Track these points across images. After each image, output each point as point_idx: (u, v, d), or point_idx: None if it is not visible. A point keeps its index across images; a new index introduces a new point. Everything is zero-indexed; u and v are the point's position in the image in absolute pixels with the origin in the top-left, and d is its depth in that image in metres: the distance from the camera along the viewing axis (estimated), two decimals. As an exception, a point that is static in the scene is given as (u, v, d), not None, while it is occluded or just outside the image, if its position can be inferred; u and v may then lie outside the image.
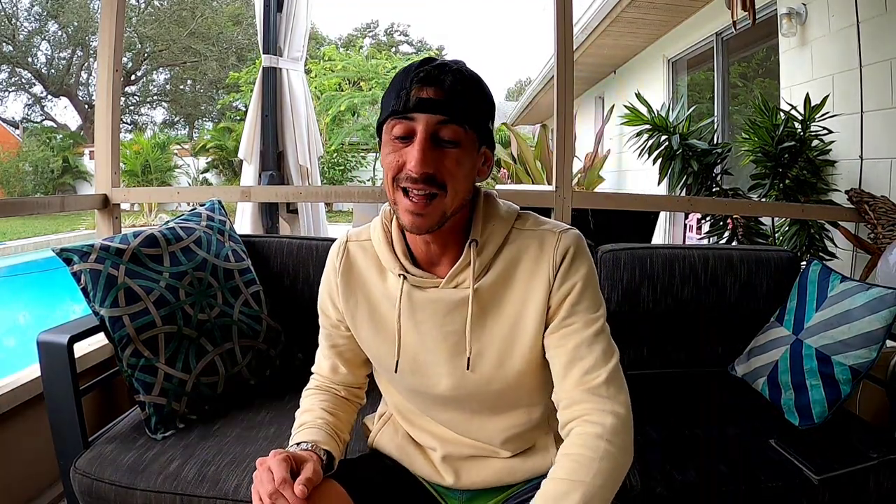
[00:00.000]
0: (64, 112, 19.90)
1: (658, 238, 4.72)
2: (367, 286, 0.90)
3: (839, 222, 2.46)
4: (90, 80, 18.84)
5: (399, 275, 0.85)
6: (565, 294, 0.82)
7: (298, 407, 0.96)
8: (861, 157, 2.72)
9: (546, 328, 0.83)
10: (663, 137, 3.08)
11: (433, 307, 0.84)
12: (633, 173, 6.06)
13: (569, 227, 0.86)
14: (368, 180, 14.25)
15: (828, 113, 2.63)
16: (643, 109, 3.11)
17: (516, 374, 0.85)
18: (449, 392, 0.87)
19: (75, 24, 17.49)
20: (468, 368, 0.84)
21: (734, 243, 2.84)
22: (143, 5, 18.32)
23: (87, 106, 18.63)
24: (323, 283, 0.94)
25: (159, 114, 21.17)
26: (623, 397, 0.79)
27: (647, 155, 3.19)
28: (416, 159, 0.73)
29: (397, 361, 0.87)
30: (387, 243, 0.87)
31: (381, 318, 0.89)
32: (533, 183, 6.87)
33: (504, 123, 10.40)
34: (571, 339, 0.81)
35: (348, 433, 0.94)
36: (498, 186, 5.85)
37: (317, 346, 1.01)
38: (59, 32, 17.85)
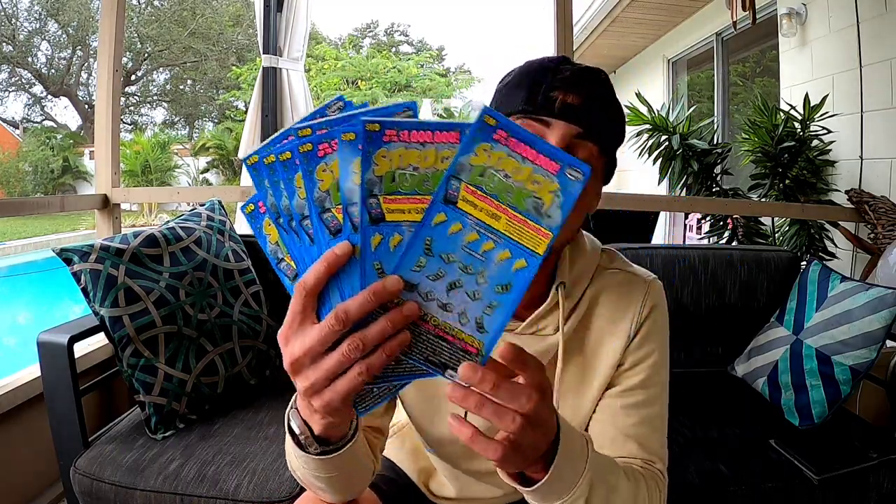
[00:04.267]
0: (64, 112, 19.92)
1: (658, 238, 4.72)
2: None
3: (839, 222, 2.46)
4: (90, 80, 18.86)
5: None
6: (643, 357, 0.73)
7: None
8: (861, 157, 2.73)
9: (609, 384, 0.73)
10: (663, 137, 3.09)
11: None
12: (633, 173, 6.07)
13: (654, 275, 0.77)
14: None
15: (828, 113, 2.63)
16: (643, 109, 3.11)
17: (578, 427, 0.75)
18: None
19: (75, 24, 17.49)
20: None
21: (734, 243, 2.84)
22: (143, 5, 18.34)
23: (87, 106, 18.64)
24: None
25: (159, 114, 21.19)
26: (666, 482, 0.71)
27: (647, 155, 3.19)
28: None
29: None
30: None
31: None
32: (533, 183, 6.86)
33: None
34: (636, 412, 0.71)
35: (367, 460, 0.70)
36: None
37: None
38: (59, 32, 17.86)
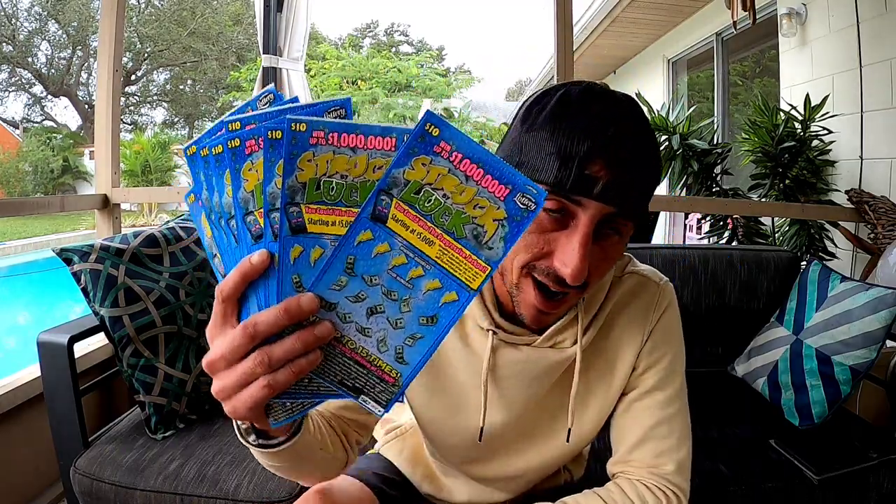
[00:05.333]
0: (64, 112, 19.96)
1: (658, 238, 4.72)
2: None
3: (839, 222, 2.46)
4: (90, 80, 18.87)
5: (488, 330, 0.69)
6: (656, 360, 0.72)
7: None
8: (861, 157, 2.73)
9: (624, 391, 0.73)
10: (663, 137, 3.08)
11: (523, 369, 0.71)
12: (633, 173, 6.05)
13: (665, 277, 0.76)
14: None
15: (828, 113, 2.63)
16: (643, 109, 3.11)
17: (588, 438, 0.75)
18: (520, 468, 0.77)
19: (75, 24, 17.50)
20: (567, 440, 0.73)
21: (734, 243, 2.83)
22: (143, 5, 18.33)
23: (87, 106, 18.65)
24: None
25: (159, 114, 21.21)
26: (687, 488, 0.71)
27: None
28: (576, 264, 0.54)
29: (481, 430, 0.72)
30: None
31: (445, 377, 0.73)
32: (533, 183, 6.87)
33: (504, 123, 10.40)
34: (652, 414, 0.71)
35: (326, 450, 0.65)
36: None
37: None
38: (59, 32, 17.87)
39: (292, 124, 0.36)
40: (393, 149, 0.37)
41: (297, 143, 0.36)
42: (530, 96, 0.61)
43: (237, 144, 0.38)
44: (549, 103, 0.57)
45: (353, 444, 0.71)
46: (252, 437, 0.52)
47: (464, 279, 0.40)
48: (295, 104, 0.39)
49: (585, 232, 0.55)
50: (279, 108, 0.39)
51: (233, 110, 0.40)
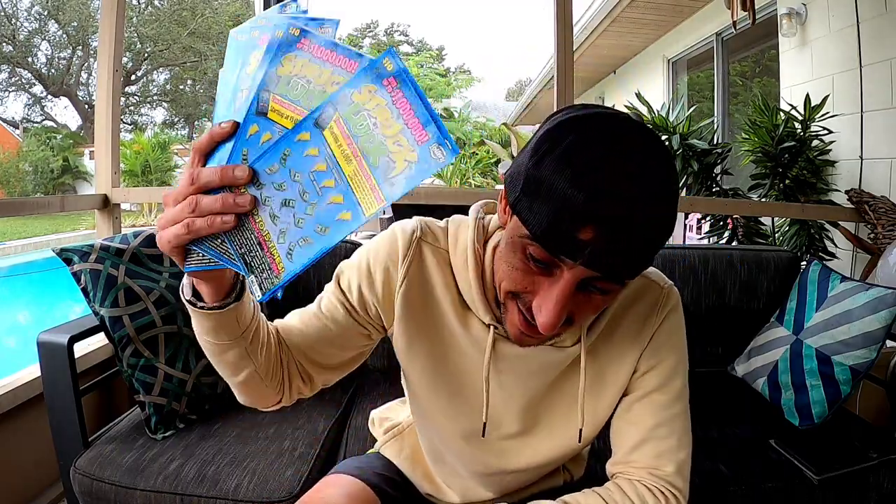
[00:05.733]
0: (64, 112, 19.95)
1: (658, 238, 4.71)
2: (437, 313, 0.72)
3: (839, 222, 2.46)
4: (90, 80, 18.86)
5: (488, 324, 0.69)
6: (658, 362, 0.72)
7: (298, 408, 0.92)
8: (861, 157, 2.73)
9: (625, 392, 0.74)
10: (663, 137, 3.08)
11: (521, 364, 0.71)
12: (633, 173, 6.05)
13: (670, 281, 0.76)
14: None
15: (828, 113, 2.63)
16: (643, 109, 3.11)
17: (589, 438, 0.75)
18: (520, 465, 0.77)
19: (75, 24, 17.49)
20: (579, 441, 0.74)
21: (734, 243, 2.84)
22: (143, 5, 18.33)
23: (87, 106, 18.64)
24: (364, 255, 0.72)
25: (159, 114, 21.20)
26: (686, 489, 0.71)
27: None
28: (549, 316, 0.55)
29: (484, 424, 0.73)
30: (478, 280, 0.69)
31: (448, 363, 0.73)
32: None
33: (504, 123, 10.41)
34: (653, 415, 0.71)
35: (263, 342, 0.65)
36: (498, 186, 5.85)
37: None
38: (59, 32, 17.86)
39: (290, 28, 0.44)
40: (353, 71, 0.43)
41: (287, 42, 0.44)
42: (548, 121, 0.57)
43: (255, 35, 0.46)
44: (561, 144, 0.52)
45: (293, 389, 0.71)
46: (188, 295, 0.57)
47: (363, 203, 0.44)
48: (304, 14, 0.46)
49: (565, 290, 0.54)
50: (291, 15, 0.46)
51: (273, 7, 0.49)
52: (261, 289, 0.47)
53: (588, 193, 0.49)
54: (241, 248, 0.47)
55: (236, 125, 0.45)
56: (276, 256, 0.46)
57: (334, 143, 0.43)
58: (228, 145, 0.46)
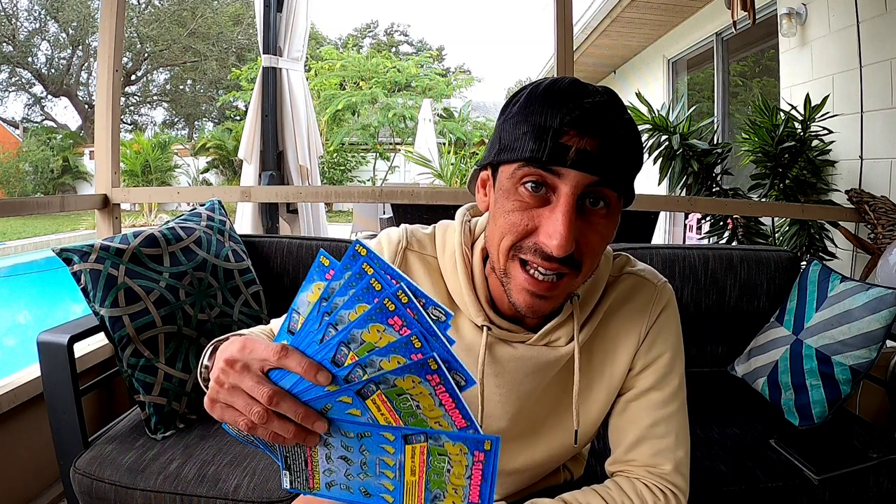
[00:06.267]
0: (64, 112, 19.95)
1: (658, 238, 4.73)
2: None
3: (839, 222, 2.46)
4: (90, 80, 18.87)
5: (482, 326, 0.69)
6: (653, 360, 0.72)
7: None
8: (861, 157, 2.73)
9: (620, 391, 0.74)
10: (663, 137, 3.08)
11: (516, 366, 0.71)
12: (633, 173, 6.06)
13: (664, 278, 0.76)
14: (368, 180, 14.26)
15: (828, 113, 2.63)
16: (643, 109, 3.11)
17: (587, 437, 0.75)
18: (518, 466, 0.76)
19: (75, 24, 17.49)
20: (575, 442, 0.73)
21: (734, 243, 2.84)
22: (143, 5, 18.33)
23: (87, 106, 18.64)
24: None
25: (159, 114, 21.21)
26: (685, 487, 0.71)
27: (647, 155, 3.19)
28: (560, 234, 0.55)
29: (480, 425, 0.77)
30: (468, 282, 0.69)
31: None
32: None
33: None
34: (649, 413, 0.71)
35: None
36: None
37: None
38: (59, 32, 17.86)
39: (388, 300, 0.40)
40: (458, 429, 0.44)
41: (383, 312, 0.40)
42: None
43: (369, 272, 0.41)
44: (524, 93, 0.60)
45: None
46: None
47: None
48: (425, 298, 0.41)
49: (567, 202, 0.56)
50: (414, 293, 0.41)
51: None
52: (291, 484, 0.50)
53: (561, 107, 0.56)
54: (286, 452, 0.49)
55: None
56: (317, 476, 0.49)
57: (410, 457, 0.46)
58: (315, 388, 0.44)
